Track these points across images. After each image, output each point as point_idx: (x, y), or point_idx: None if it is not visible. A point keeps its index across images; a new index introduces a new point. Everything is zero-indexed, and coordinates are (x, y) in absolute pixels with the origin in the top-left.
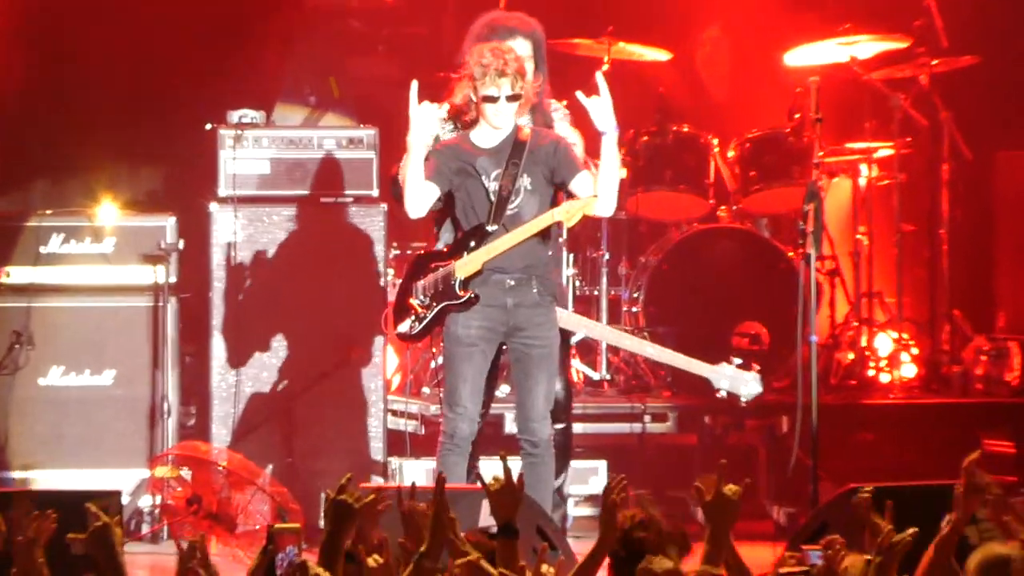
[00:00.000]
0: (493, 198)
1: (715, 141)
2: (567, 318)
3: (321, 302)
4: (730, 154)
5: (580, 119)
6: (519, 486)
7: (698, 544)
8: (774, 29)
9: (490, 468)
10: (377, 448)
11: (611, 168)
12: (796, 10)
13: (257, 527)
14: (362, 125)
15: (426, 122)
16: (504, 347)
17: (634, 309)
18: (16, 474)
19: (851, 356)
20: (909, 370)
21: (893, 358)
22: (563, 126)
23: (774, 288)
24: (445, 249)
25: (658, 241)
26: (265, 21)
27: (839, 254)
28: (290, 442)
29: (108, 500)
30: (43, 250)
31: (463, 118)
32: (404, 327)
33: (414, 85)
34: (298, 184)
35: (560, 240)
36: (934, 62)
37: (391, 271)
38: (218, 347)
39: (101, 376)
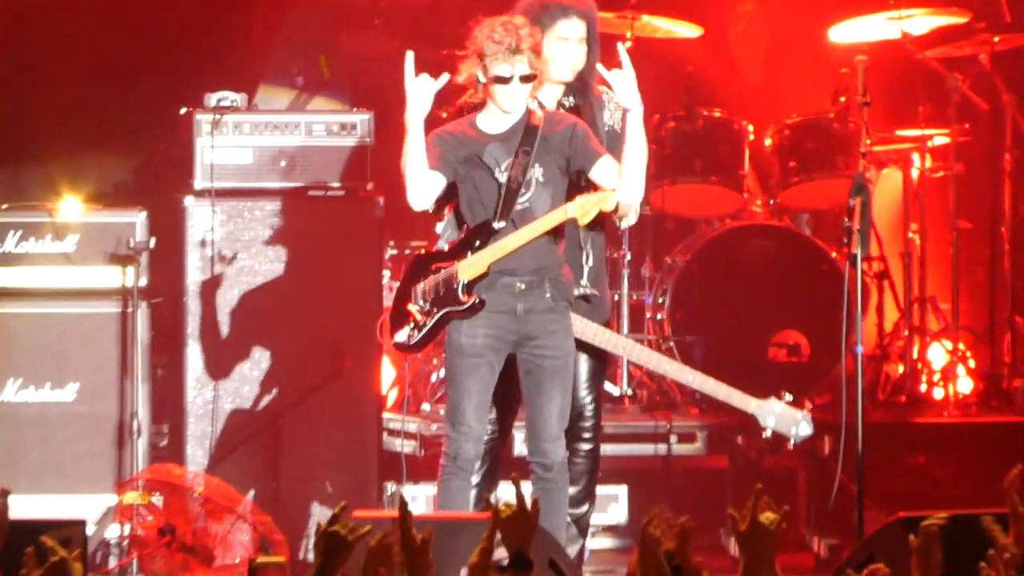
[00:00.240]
0: (502, 191)
1: (750, 127)
2: (583, 328)
3: (309, 308)
4: (767, 142)
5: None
6: (534, 513)
7: None
8: (816, 2)
9: (501, 494)
10: (371, 471)
11: (637, 148)
12: None
13: (237, 560)
14: (355, 109)
15: (425, 96)
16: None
17: (659, 316)
18: None
19: (901, 369)
20: (965, 384)
21: (948, 371)
22: (618, 117)
23: (816, 293)
24: (447, 249)
25: (686, 240)
26: None
27: (888, 254)
28: (274, 465)
29: (70, 531)
30: None
31: (466, 109)
32: (402, 336)
33: (410, 56)
34: (283, 175)
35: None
36: (996, 39)
37: (388, 273)
38: (194, 358)
39: (63, 391)
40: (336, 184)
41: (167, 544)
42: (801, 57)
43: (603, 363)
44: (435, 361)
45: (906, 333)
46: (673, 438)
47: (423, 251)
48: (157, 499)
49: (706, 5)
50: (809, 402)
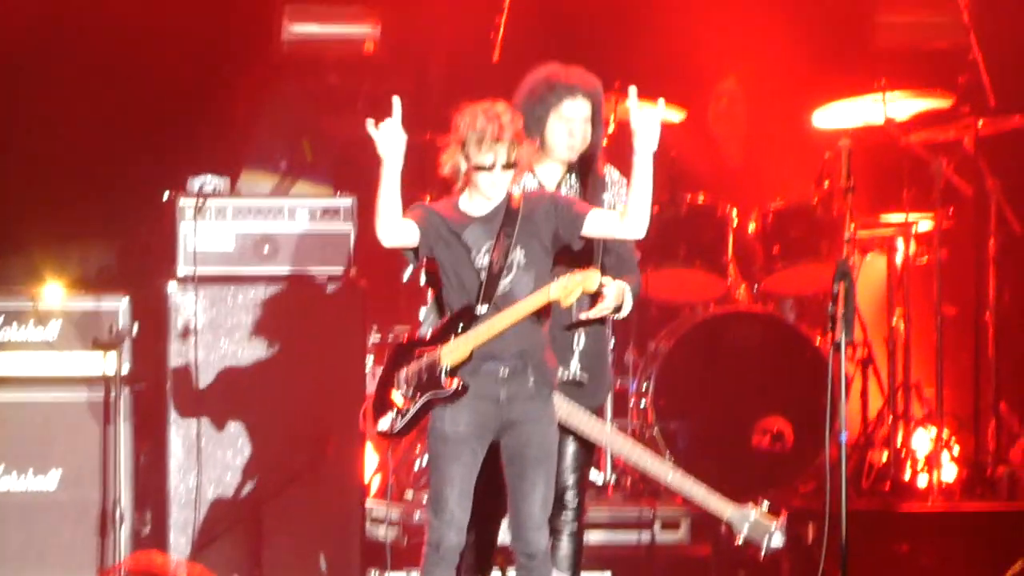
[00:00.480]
0: (483, 275)
1: (734, 212)
2: (569, 413)
3: (292, 395)
4: (751, 227)
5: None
6: None
7: None
8: (800, 85)
9: None
10: (354, 559)
11: (644, 185)
12: (825, 64)
13: None
14: (339, 193)
15: (393, 138)
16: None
17: (643, 403)
18: None
19: (885, 456)
20: (950, 472)
21: (932, 458)
22: (622, 198)
23: (799, 379)
24: (430, 334)
25: (670, 325)
26: (230, 76)
27: (873, 340)
28: (257, 553)
29: None
30: None
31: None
32: (385, 423)
33: (397, 101)
34: (266, 260)
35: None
36: (980, 123)
37: (371, 359)
38: (176, 445)
39: (45, 478)
40: (319, 269)
41: None
42: (785, 141)
43: (589, 447)
44: (418, 448)
45: (890, 420)
46: (657, 525)
47: (406, 337)
48: None
49: (689, 89)
50: (786, 511)
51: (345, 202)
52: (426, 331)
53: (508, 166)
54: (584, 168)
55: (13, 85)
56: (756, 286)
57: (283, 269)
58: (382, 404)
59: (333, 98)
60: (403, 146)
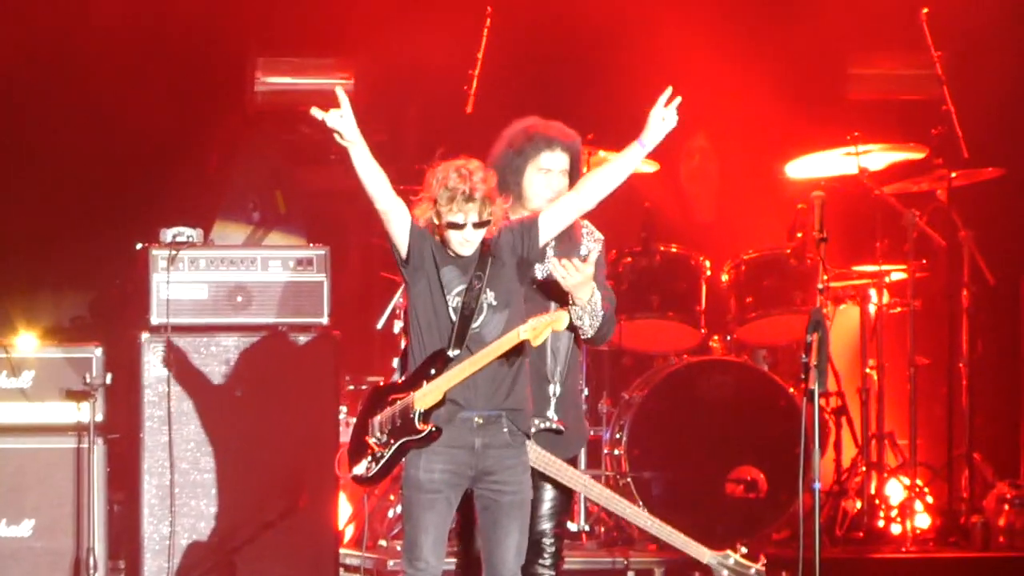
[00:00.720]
0: (455, 317)
1: (707, 263)
2: (546, 462)
3: (265, 443)
4: (724, 277)
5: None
6: None
7: None
8: (774, 136)
9: None
10: None
11: (619, 168)
12: (799, 116)
13: None
14: (312, 244)
15: (346, 124)
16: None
17: (616, 452)
18: None
19: (859, 505)
20: (923, 520)
21: (905, 507)
22: (594, 252)
23: (773, 428)
24: (403, 380)
25: (643, 375)
26: (204, 127)
27: (846, 390)
28: None
29: None
30: None
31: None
32: (360, 468)
33: (341, 91)
34: (239, 311)
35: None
36: (953, 175)
37: (345, 408)
38: (150, 494)
39: (19, 526)
40: (292, 319)
41: None
42: (758, 192)
43: (567, 493)
44: (392, 497)
45: (864, 469)
46: (631, 574)
47: (380, 384)
48: None
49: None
50: (764, 556)
51: (319, 252)
52: (400, 378)
53: (480, 224)
54: None
55: None
56: (729, 336)
57: (256, 319)
58: (358, 450)
59: (306, 150)
60: (354, 130)
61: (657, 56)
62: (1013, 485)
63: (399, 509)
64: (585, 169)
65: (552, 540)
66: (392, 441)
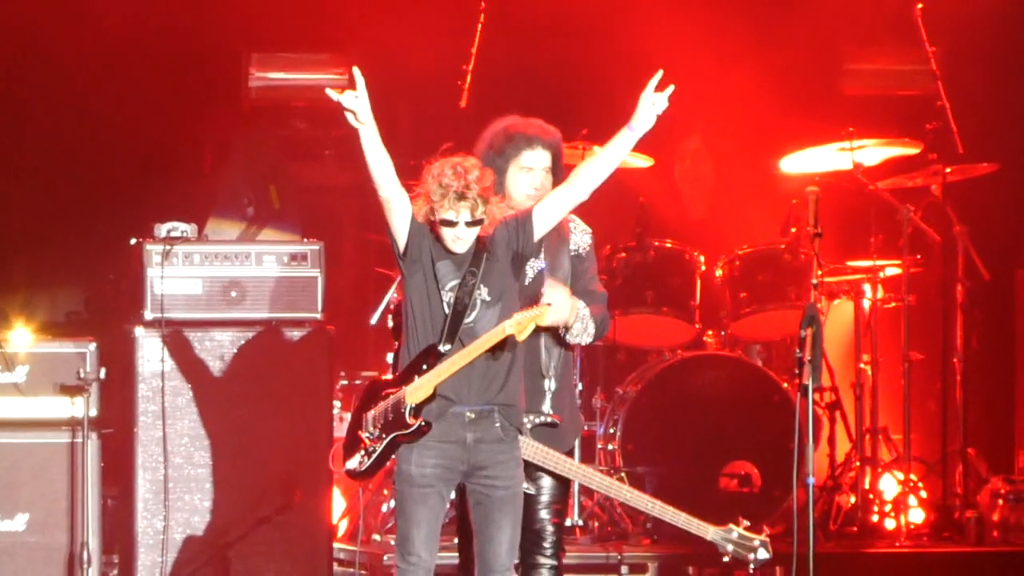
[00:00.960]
0: (448, 311)
1: (701, 258)
2: (544, 456)
3: (260, 438)
4: (718, 273)
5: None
6: None
7: None
8: (769, 132)
9: None
10: None
11: (612, 155)
12: (794, 111)
13: None
14: (306, 239)
15: (359, 104)
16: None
17: (610, 447)
18: None
19: (853, 500)
20: (917, 515)
21: (899, 502)
22: (583, 242)
23: (767, 423)
24: (396, 375)
25: (638, 370)
26: (197, 123)
27: (840, 385)
28: None
29: None
30: None
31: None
32: (353, 463)
33: (357, 72)
34: (234, 306)
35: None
36: (948, 170)
37: (338, 403)
38: (144, 488)
39: (13, 521)
40: (287, 315)
41: None
42: (752, 187)
43: (565, 484)
44: (386, 491)
45: (858, 464)
46: (625, 569)
47: (376, 378)
48: None
49: (657, 136)
50: (768, 527)
51: (313, 248)
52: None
53: (472, 223)
54: None
55: None
56: (724, 331)
57: (251, 314)
58: (352, 444)
59: (300, 145)
60: (368, 112)
61: (651, 51)
62: (1007, 480)
63: (393, 503)
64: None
65: (552, 530)
66: (384, 436)
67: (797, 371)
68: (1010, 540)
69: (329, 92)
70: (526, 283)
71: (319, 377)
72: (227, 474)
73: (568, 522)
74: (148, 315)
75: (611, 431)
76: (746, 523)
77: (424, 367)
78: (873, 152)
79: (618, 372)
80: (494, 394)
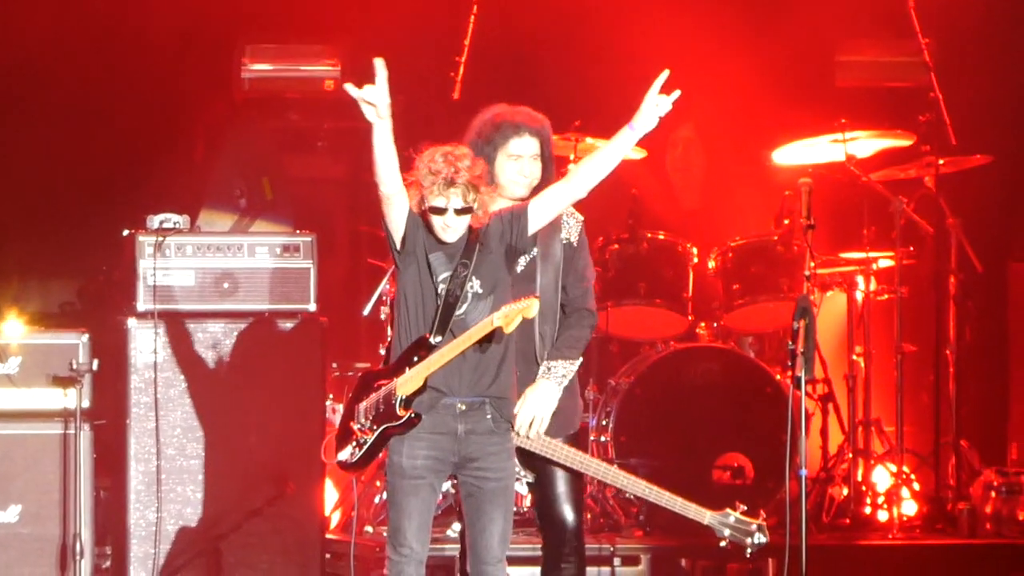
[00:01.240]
0: (439, 303)
1: (694, 250)
2: (544, 445)
3: (252, 430)
4: (711, 264)
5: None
6: None
7: None
8: (761, 123)
9: None
10: None
11: (611, 153)
12: (786, 103)
13: None
14: (299, 231)
15: (379, 97)
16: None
17: (603, 439)
18: None
19: (845, 491)
20: (910, 507)
21: (892, 494)
22: (575, 231)
23: (760, 415)
24: (388, 366)
25: (630, 362)
26: (190, 114)
27: (833, 377)
28: None
29: None
30: None
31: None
32: (345, 454)
33: (380, 63)
34: (226, 297)
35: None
36: (941, 162)
37: (331, 395)
38: (136, 480)
39: (5, 512)
40: (279, 306)
41: None
42: (745, 179)
43: (580, 475)
44: (379, 483)
45: (850, 456)
46: (617, 561)
47: (370, 369)
48: None
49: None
50: (764, 512)
51: (305, 239)
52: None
53: (462, 211)
54: None
55: None
56: (716, 323)
57: (243, 306)
58: (344, 436)
59: (293, 137)
60: (388, 106)
61: (645, 42)
62: (1000, 472)
63: (386, 495)
64: (572, 156)
65: (574, 524)
66: (375, 427)
67: (790, 363)
68: (1003, 532)
69: (349, 87)
70: (518, 271)
71: (312, 368)
72: (220, 466)
73: None
74: (141, 306)
75: (604, 423)
76: (743, 507)
77: (415, 359)
78: (866, 144)
79: (610, 364)
80: (485, 386)
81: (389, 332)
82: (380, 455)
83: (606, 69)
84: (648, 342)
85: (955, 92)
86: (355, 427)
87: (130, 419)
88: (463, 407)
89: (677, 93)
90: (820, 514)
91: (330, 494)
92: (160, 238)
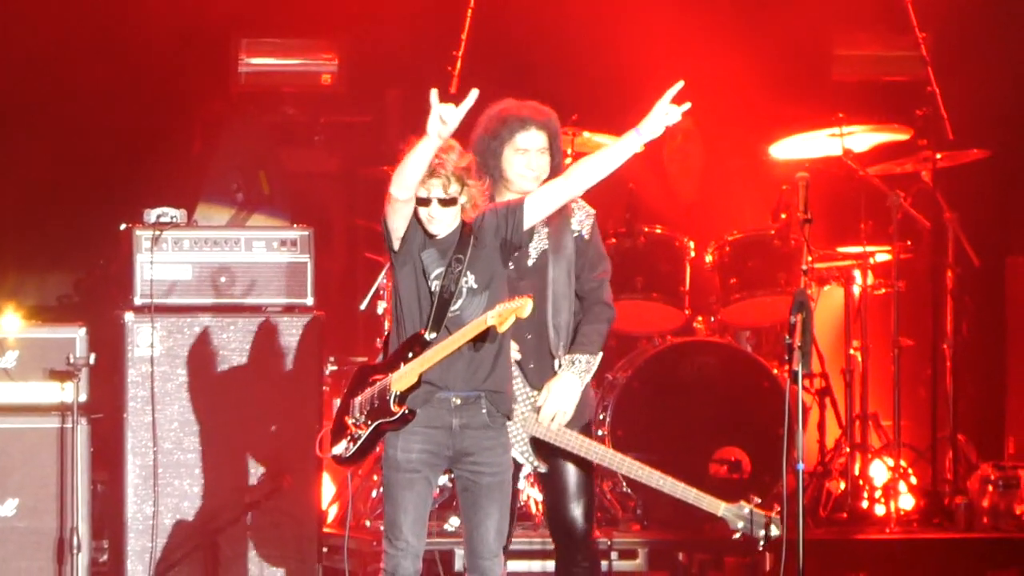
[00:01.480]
0: (434, 300)
1: (691, 244)
2: (556, 436)
3: (249, 424)
4: (708, 259)
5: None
6: None
7: None
8: (758, 117)
9: None
10: None
11: (611, 157)
12: (783, 97)
13: None
14: (296, 225)
15: (450, 117)
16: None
17: (600, 432)
18: None
19: (842, 486)
20: (907, 501)
21: (889, 488)
22: (587, 224)
23: (757, 409)
24: (383, 362)
25: (627, 356)
26: (187, 108)
27: (830, 371)
28: None
29: None
30: None
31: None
32: (339, 448)
33: (474, 93)
34: (223, 291)
35: None
36: (938, 156)
37: (327, 389)
38: (133, 474)
39: (2, 506)
40: (276, 300)
41: None
42: (742, 173)
43: (588, 471)
44: (375, 477)
45: (847, 450)
46: (614, 555)
47: (367, 364)
48: None
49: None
50: (778, 505)
51: (303, 233)
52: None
53: (446, 202)
54: None
55: None
56: (713, 317)
57: (240, 300)
58: (339, 430)
59: (290, 130)
60: (450, 131)
61: (642, 36)
62: (997, 466)
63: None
64: (570, 150)
65: (583, 521)
66: (369, 422)
67: (787, 357)
68: (1000, 526)
69: (433, 96)
70: (529, 264)
71: (309, 362)
72: (216, 460)
73: None
74: (138, 300)
75: (601, 417)
76: (757, 500)
77: (410, 355)
78: (863, 138)
79: (608, 358)
80: (481, 381)
81: (386, 326)
82: (375, 450)
83: (603, 63)
84: (645, 336)
85: (952, 86)
86: (350, 422)
87: (127, 413)
88: (458, 401)
89: (687, 105)
90: (817, 508)
91: (327, 488)
92: (157, 232)
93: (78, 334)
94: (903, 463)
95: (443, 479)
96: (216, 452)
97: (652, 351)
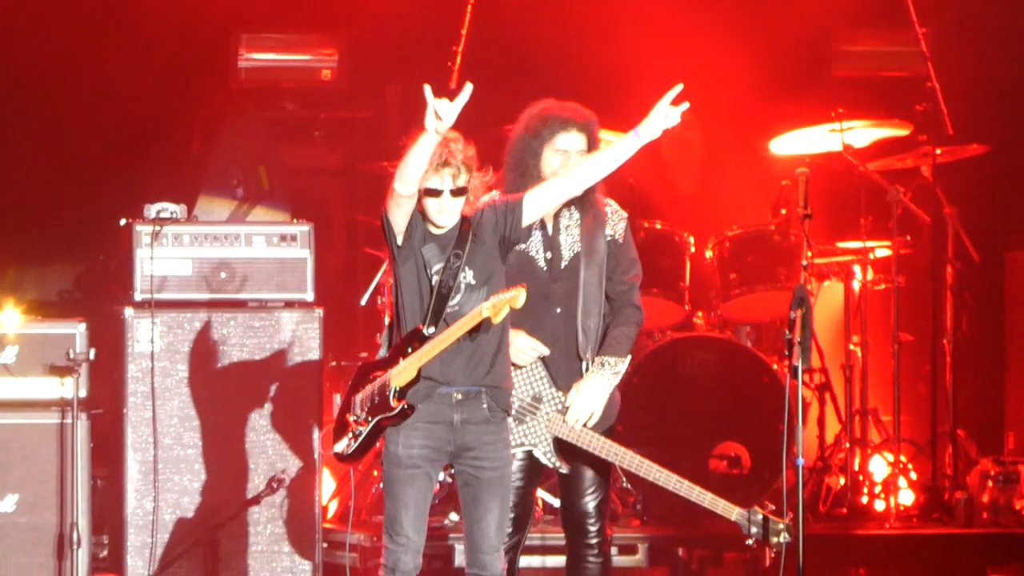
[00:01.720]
0: (433, 294)
1: (691, 239)
2: (578, 436)
3: (249, 419)
4: (708, 254)
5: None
6: None
7: None
8: (758, 113)
9: None
10: None
11: (612, 156)
12: (783, 92)
13: None
14: (296, 220)
15: (447, 113)
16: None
17: None
18: None
19: (842, 481)
20: (907, 497)
21: (889, 483)
22: (620, 227)
23: (757, 405)
24: (383, 357)
25: None
26: (187, 103)
27: (830, 367)
28: None
29: None
30: None
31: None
32: (340, 445)
33: (469, 87)
34: (223, 287)
35: None
36: (938, 151)
37: (327, 384)
38: (133, 469)
39: (2, 502)
40: (276, 295)
41: None
42: (742, 168)
43: (604, 471)
44: (376, 473)
45: (847, 445)
46: (614, 550)
47: (368, 360)
48: None
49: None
50: (791, 511)
51: (303, 229)
52: (384, 353)
53: (457, 192)
54: (583, 201)
55: None
56: (713, 312)
57: (240, 295)
58: (341, 427)
59: (290, 126)
60: (447, 126)
61: (643, 32)
62: (997, 462)
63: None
64: None
65: (596, 517)
66: (369, 418)
67: (787, 352)
68: (999, 521)
69: (427, 91)
70: (562, 267)
71: (309, 358)
72: (216, 455)
73: (556, 502)
74: (138, 296)
75: None
76: (771, 507)
77: (409, 350)
78: (863, 133)
79: None
80: (481, 376)
81: (387, 321)
82: (376, 446)
83: (603, 58)
84: (645, 332)
85: (952, 82)
86: (351, 419)
87: (127, 408)
88: (459, 396)
89: (686, 105)
90: (817, 503)
91: (328, 484)
92: (157, 227)
93: (78, 329)
94: (903, 458)
95: (441, 475)
96: (216, 448)
97: (652, 346)
